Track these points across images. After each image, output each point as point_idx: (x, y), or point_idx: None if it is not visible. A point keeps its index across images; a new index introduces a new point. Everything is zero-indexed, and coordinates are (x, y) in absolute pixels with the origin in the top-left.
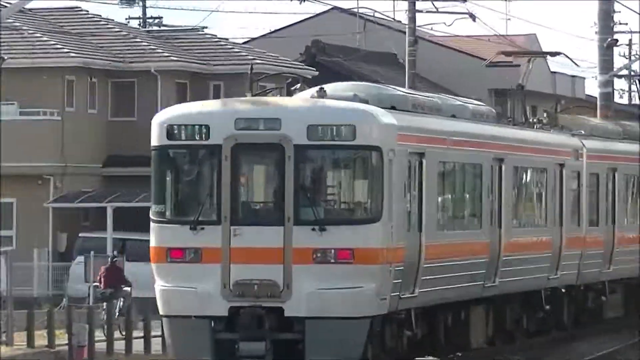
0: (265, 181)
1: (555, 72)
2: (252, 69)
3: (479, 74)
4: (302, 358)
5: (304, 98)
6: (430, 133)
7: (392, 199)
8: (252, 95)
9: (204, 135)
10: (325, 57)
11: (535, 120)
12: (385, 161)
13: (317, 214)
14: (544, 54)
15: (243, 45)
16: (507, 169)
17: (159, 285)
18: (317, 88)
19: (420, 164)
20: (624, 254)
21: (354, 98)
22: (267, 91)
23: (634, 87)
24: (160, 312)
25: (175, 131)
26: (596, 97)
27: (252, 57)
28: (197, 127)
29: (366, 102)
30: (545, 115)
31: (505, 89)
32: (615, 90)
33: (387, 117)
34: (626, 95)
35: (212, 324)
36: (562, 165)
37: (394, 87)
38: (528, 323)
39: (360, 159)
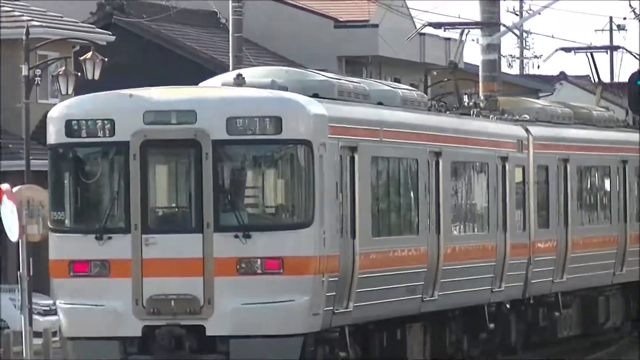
0: (181, 183)
1: (424, 34)
2: (27, 32)
3: (328, 38)
4: None
5: (221, 87)
6: (363, 124)
7: (324, 201)
8: (29, 68)
9: (108, 131)
10: (124, 17)
11: (471, 104)
12: (315, 157)
13: (240, 219)
14: (478, 25)
15: (16, 3)
16: (445, 165)
17: (61, 303)
18: (233, 74)
19: (352, 159)
20: (580, 260)
21: (272, 85)
22: (49, 62)
23: (527, 53)
24: (64, 334)
25: (75, 127)
26: (478, 66)
27: (28, 18)
28: (100, 121)
29: (285, 89)
30: (482, 98)
31: (359, 56)
32: (503, 57)
33: (316, 107)
34: (517, 64)
35: (124, 346)
36: (504, 159)
37: (316, 71)
38: (470, 345)
39: (287, 155)
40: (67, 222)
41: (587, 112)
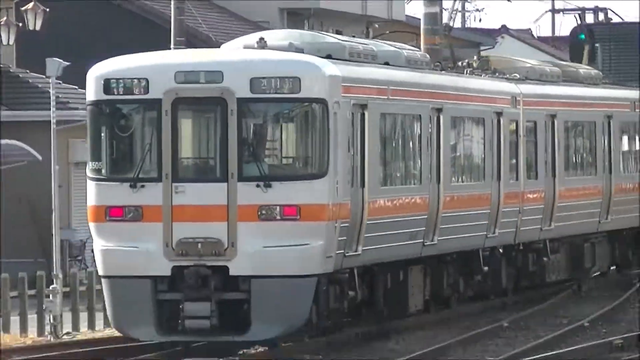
0: (208, 136)
1: None
2: None
3: None
4: (248, 318)
5: (245, 49)
6: (372, 83)
7: (337, 154)
8: None
9: (142, 89)
10: None
11: (465, 64)
12: (330, 114)
13: (261, 170)
14: None
15: None
16: (446, 120)
17: (98, 245)
18: (256, 37)
19: (363, 116)
20: (567, 209)
21: (290, 47)
22: None
23: (468, 5)
24: (100, 273)
25: (113, 85)
26: (419, 19)
27: None
28: (135, 80)
29: (302, 51)
30: (475, 58)
31: (301, 8)
32: (444, 10)
33: (331, 68)
34: (459, 17)
35: (155, 284)
36: (499, 114)
37: (329, 34)
38: (465, 287)
39: (305, 112)
40: (103, 171)
41: (574, 71)
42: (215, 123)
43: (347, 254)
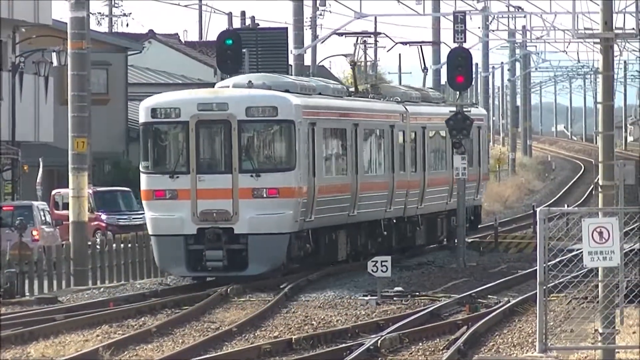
0: (218, 144)
1: None
2: None
3: None
4: (246, 262)
5: (241, 88)
6: (318, 108)
7: (301, 155)
8: None
9: (175, 115)
10: None
11: (363, 90)
12: (297, 129)
13: (254, 165)
14: None
15: None
16: (360, 132)
17: (149, 215)
18: (245, 80)
19: (313, 130)
20: (431, 194)
21: (263, 85)
22: None
23: (116, 11)
24: (150, 233)
25: (157, 112)
26: (66, 23)
27: None
28: (171, 109)
29: (269, 87)
30: (369, 86)
31: None
32: (92, 15)
33: (295, 100)
34: (106, 22)
35: (185, 240)
36: (392, 127)
37: (285, 75)
38: (371, 246)
39: (281, 128)
40: (150, 167)
41: (426, 94)
42: (223, 136)
43: (305, 220)
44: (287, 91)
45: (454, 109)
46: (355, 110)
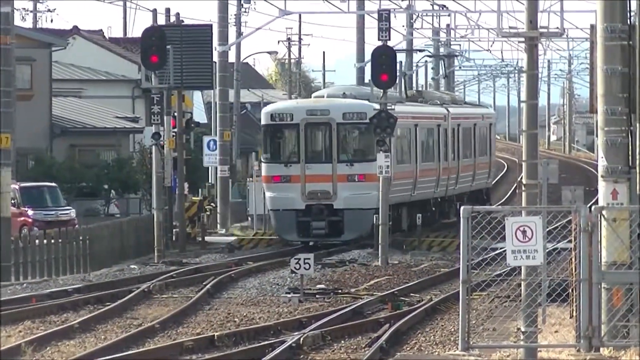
0: (322, 141)
1: None
2: None
3: None
4: (342, 229)
5: (339, 98)
6: (395, 113)
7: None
8: None
9: (289, 118)
10: None
11: (411, 95)
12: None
13: (348, 157)
14: None
15: None
16: (419, 130)
17: (268, 194)
18: (341, 91)
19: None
20: (463, 178)
21: (351, 95)
22: None
23: (40, 7)
24: (269, 208)
25: (275, 116)
26: None
27: None
28: (285, 114)
29: (355, 97)
30: (415, 92)
31: None
32: (16, 10)
33: (375, 107)
34: (31, 17)
35: (296, 213)
36: (439, 125)
37: (366, 87)
38: (422, 219)
39: (368, 128)
40: (269, 157)
41: (455, 97)
42: (325, 134)
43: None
44: (367, 100)
45: (480, 109)
46: (416, 113)
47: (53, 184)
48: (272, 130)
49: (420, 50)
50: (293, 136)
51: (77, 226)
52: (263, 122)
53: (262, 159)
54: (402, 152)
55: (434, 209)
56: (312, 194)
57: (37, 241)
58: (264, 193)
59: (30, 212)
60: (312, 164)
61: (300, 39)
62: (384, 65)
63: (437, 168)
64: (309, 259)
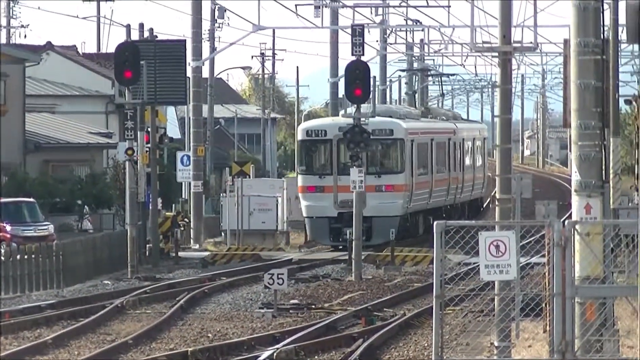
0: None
1: None
2: None
3: None
4: (371, 234)
5: (375, 118)
6: (415, 129)
7: (406, 162)
8: None
9: (323, 134)
10: None
11: (422, 111)
12: (405, 145)
13: (376, 169)
14: None
15: None
16: (434, 144)
17: (304, 203)
18: (370, 110)
19: (412, 144)
20: (467, 187)
21: (379, 114)
22: None
23: (14, 22)
24: (304, 215)
25: (310, 132)
26: None
27: None
28: (319, 130)
29: (390, 116)
30: (423, 107)
31: None
32: None
33: (403, 124)
34: (4, 33)
35: (329, 220)
36: (449, 139)
37: (391, 106)
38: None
39: (394, 143)
40: (305, 170)
41: (455, 113)
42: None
43: (407, 207)
44: (390, 116)
45: (476, 124)
46: (432, 129)
47: (31, 200)
48: (307, 145)
49: (428, 70)
50: (326, 151)
51: (55, 242)
52: (299, 137)
53: (298, 171)
54: (422, 165)
55: (444, 215)
56: (343, 203)
57: (16, 257)
58: (300, 202)
59: (8, 227)
60: (344, 175)
61: (274, 53)
62: (357, 80)
63: (448, 178)
64: (282, 274)
